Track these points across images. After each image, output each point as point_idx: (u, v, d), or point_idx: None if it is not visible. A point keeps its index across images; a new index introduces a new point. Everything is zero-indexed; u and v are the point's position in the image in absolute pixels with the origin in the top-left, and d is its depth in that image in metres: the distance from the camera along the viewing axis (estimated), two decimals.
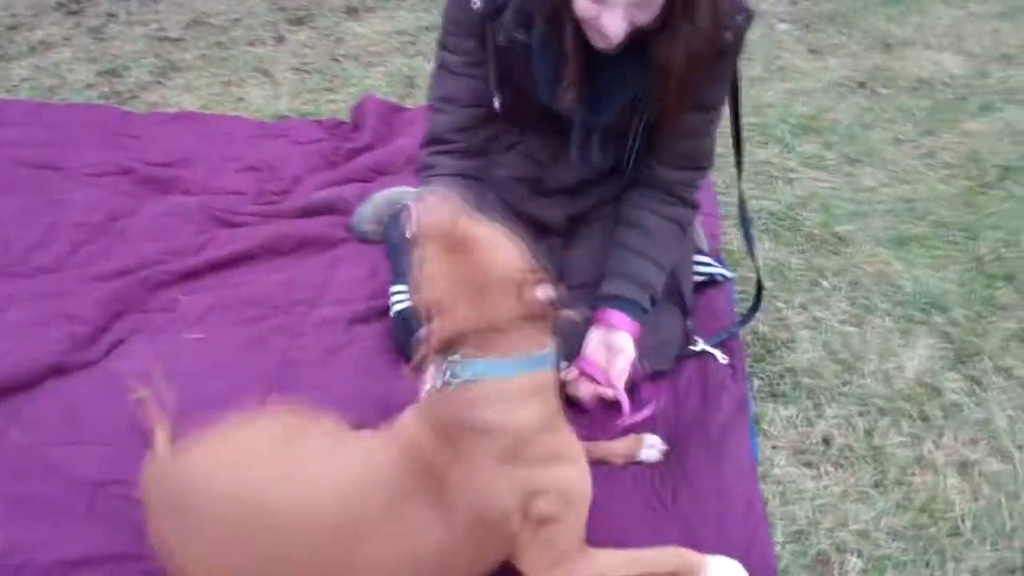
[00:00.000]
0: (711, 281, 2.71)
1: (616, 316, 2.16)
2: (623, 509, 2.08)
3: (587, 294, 2.24)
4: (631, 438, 2.20)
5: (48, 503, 2.13)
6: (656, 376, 2.35)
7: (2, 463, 2.25)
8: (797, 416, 2.29)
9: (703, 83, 2.01)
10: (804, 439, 2.25)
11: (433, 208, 1.70)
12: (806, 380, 2.40)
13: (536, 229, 2.36)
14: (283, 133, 3.73)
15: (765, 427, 2.28)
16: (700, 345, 2.45)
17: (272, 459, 1.76)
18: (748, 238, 2.52)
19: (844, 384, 2.39)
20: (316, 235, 3.05)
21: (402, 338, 2.40)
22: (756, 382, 2.39)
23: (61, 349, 2.57)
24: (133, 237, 3.08)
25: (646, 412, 2.10)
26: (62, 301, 2.77)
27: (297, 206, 3.20)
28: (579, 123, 2.15)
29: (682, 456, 2.21)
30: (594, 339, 2.18)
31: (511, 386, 1.66)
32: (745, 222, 2.52)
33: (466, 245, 1.64)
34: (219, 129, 3.78)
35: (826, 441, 2.24)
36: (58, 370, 2.53)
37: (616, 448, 2.19)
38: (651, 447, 2.18)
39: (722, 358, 2.43)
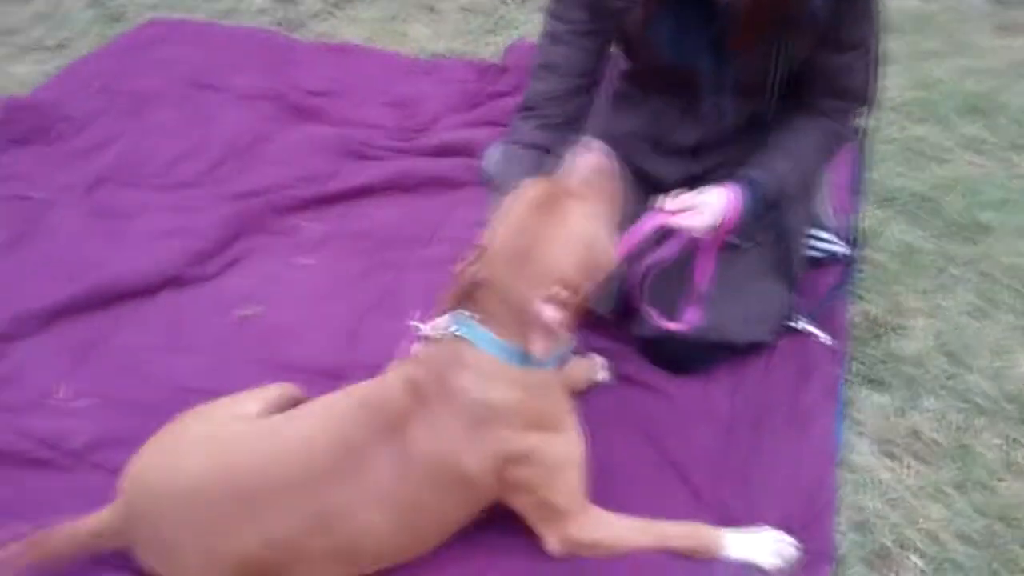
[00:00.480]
0: (831, 258, 2.56)
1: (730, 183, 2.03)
2: (691, 465, 2.04)
3: None
4: (584, 363, 2.21)
5: (139, 404, 2.23)
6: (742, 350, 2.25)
7: (105, 363, 2.37)
8: (890, 405, 2.18)
9: (842, 22, 1.93)
10: (892, 429, 2.12)
11: (583, 161, 1.71)
12: (908, 369, 2.27)
13: (652, 187, 2.30)
14: (433, 71, 3.75)
15: (854, 413, 2.16)
16: (801, 323, 2.33)
17: (242, 433, 1.78)
18: (858, 183, 2.42)
19: (949, 378, 2.24)
20: (441, 175, 3.05)
21: None
22: (855, 365, 2.28)
23: (181, 262, 2.69)
24: (269, 160, 3.17)
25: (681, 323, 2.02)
26: (190, 216, 2.89)
27: (430, 144, 3.21)
28: (708, 79, 2.06)
29: (760, 427, 2.12)
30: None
31: (496, 367, 1.66)
32: (861, 165, 2.40)
33: (551, 215, 1.63)
34: (373, 63, 3.83)
35: (914, 433, 2.11)
36: (174, 281, 2.65)
37: (575, 373, 2.15)
38: (604, 368, 2.24)
39: (823, 338, 2.31)
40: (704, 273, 2.04)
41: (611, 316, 2.34)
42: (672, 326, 2.00)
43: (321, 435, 1.70)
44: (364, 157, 3.19)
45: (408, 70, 3.77)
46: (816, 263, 2.50)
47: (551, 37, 2.10)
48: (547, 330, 1.59)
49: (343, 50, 3.97)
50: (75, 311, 2.52)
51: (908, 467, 2.03)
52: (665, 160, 2.32)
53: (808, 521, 1.90)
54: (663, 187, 2.26)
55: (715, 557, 1.82)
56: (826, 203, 2.61)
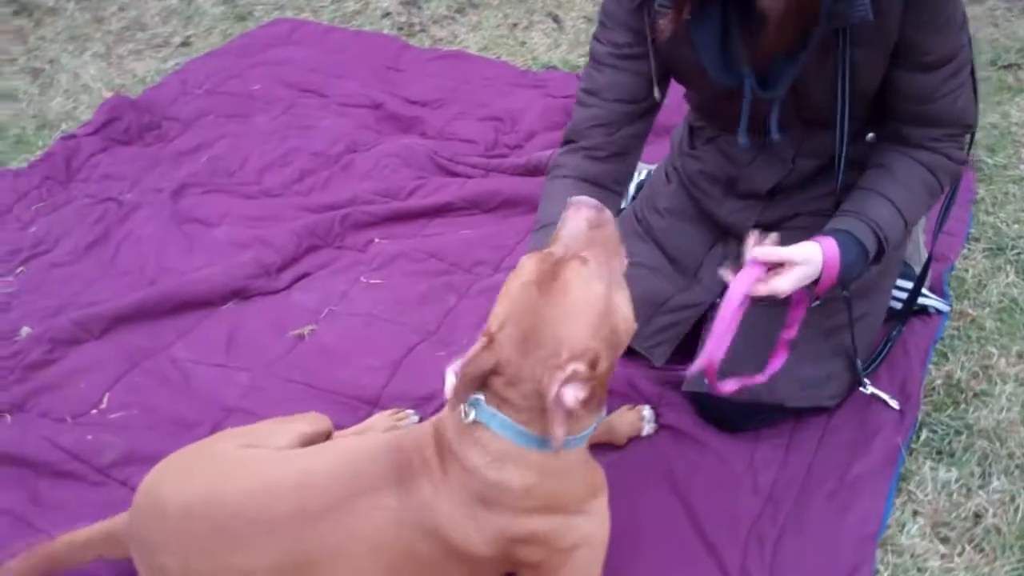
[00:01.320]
0: (921, 311, 2.34)
1: (822, 238, 1.79)
2: (721, 532, 1.90)
3: (757, 307, 2.00)
4: (633, 413, 2.09)
5: (178, 420, 2.23)
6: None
7: (154, 374, 2.39)
8: (955, 482, 1.98)
9: (918, 34, 1.72)
10: (952, 510, 1.92)
11: (574, 221, 1.58)
12: (983, 443, 2.05)
13: (722, 232, 2.20)
14: (540, 84, 3.64)
15: (912, 488, 1.96)
16: (870, 388, 2.13)
17: (249, 461, 1.73)
18: (948, 201, 2.15)
19: None
20: (525, 196, 2.94)
21: None
22: (924, 433, 2.09)
23: (250, 274, 2.68)
24: (355, 173, 3.14)
25: (756, 378, 1.81)
26: (267, 226, 2.88)
27: (519, 163, 3.11)
28: (748, 98, 1.87)
29: (804, 497, 1.97)
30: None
31: (512, 450, 1.54)
32: (950, 203, 2.16)
33: (554, 288, 1.50)
34: (480, 72, 3.75)
35: (976, 517, 1.90)
36: (240, 293, 2.65)
37: (619, 428, 2.07)
38: (649, 421, 2.12)
39: (892, 403, 2.11)
40: (793, 327, 1.85)
41: (664, 362, 2.20)
42: (726, 390, 1.79)
43: (324, 474, 1.63)
44: (450, 173, 3.12)
45: (515, 82, 3.68)
46: (899, 315, 2.27)
47: (595, 62, 1.95)
48: (568, 413, 1.47)
49: (454, 57, 3.91)
50: (138, 318, 2.54)
51: (961, 554, 1.83)
52: (739, 204, 2.15)
53: None
54: (733, 232, 2.14)
55: None
56: (921, 245, 2.39)
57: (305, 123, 3.43)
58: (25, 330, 2.49)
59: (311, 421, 1.94)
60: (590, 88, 1.96)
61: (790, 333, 1.84)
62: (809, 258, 1.73)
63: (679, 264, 2.22)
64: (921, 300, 2.31)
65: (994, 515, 1.90)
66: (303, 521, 1.57)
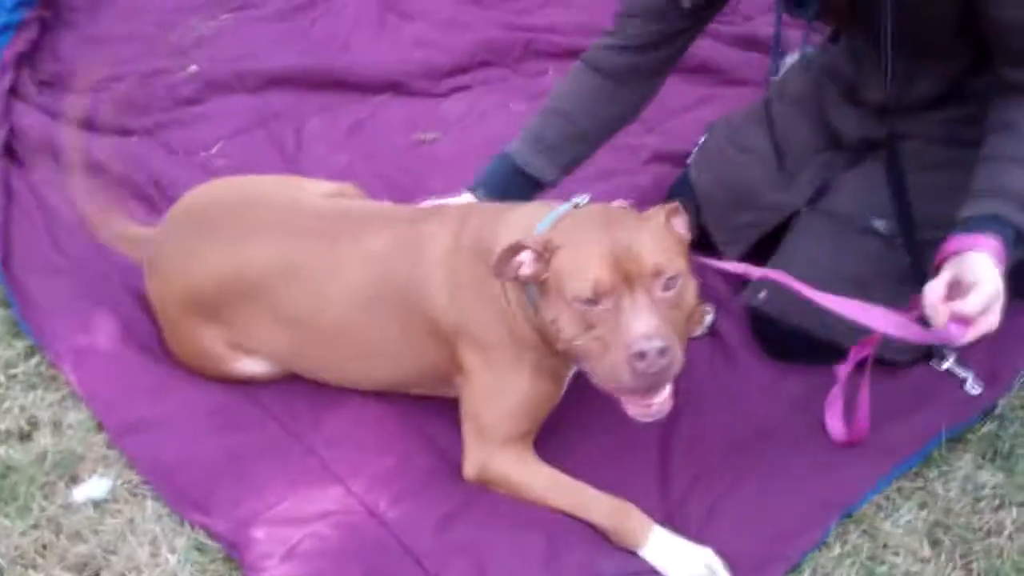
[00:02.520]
0: None
1: (970, 238, 1.56)
2: (686, 453, 1.77)
3: (837, 229, 1.90)
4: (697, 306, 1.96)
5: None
6: None
7: (275, 138, 2.52)
8: (992, 488, 1.70)
9: None
10: (966, 516, 1.66)
11: None
12: None
13: (833, 140, 2.01)
14: None
15: (934, 476, 1.71)
16: (946, 363, 1.84)
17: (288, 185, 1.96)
18: None
19: None
20: (717, 61, 2.73)
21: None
22: (989, 426, 1.80)
23: (414, 72, 2.74)
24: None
25: None
26: (456, 32, 2.88)
27: (735, 32, 2.86)
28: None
29: (799, 441, 1.77)
30: (935, 281, 1.53)
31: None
32: None
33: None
34: None
35: (987, 533, 1.64)
36: (396, 88, 2.70)
37: None
38: (705, 325, 2.01)
39: (972, 388, 1.81)
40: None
41: (736, 260, 2.01)
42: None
43: (342, 210, 1.83)
44: None
45: None
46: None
47: None
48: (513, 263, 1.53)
49: None
50: (291, 84, 2.68)
51: (944, 564, 1.58)
52: (850, 112, 1.98)
53: (759, 565, 1.56)
54: (841, 143, 2.00)
55: (628, 548, 1.59)
56: None
57: None
58: (192, 68, 2.65)
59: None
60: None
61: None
62: (980, 275, 1.49)
63: (785, 159, 2.06)
64: None
65: (1009, 538, 1.62)
66: (305, 233, 1.76)
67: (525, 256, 1.52)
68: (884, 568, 1.58)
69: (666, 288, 1.48)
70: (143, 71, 2.69)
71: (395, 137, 2.51)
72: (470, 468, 1.69)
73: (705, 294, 2.04)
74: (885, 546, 1.61)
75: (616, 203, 1.69)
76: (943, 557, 1.60)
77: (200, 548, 1.62)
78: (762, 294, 1.86)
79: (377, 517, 1.63)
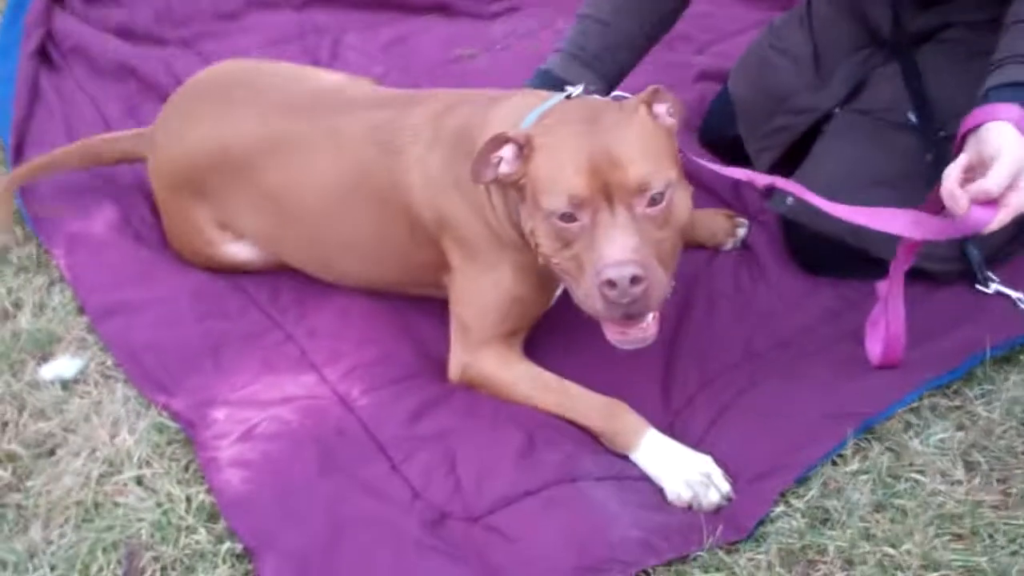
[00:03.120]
0: None
1: (989, 109, 1.40)
2: (698, 360, 1.62)
3: (870, 127, 1.76)
4: (729, 221, 1.87)
5: None
6: None
7: (310, 51, 2.44)
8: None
9: None
10: (1009, 438, 1.47)
11: None
12: None
13: (871, 38, 1.87)
14: None
15: (975, 396, 1.53)
16: (994, 285, 1.66)
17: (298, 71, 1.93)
18: None
19: None
20: None
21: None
22: None
23: None
24: None
25: None
26: None
27: None
28: None
29: (823, 351, 1.61)
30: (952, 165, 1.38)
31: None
32: None
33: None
34: None
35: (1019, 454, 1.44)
36: (445, 9, 2.61)
37: (705, 227, 1.84)
38: (738, 239, 1.86)
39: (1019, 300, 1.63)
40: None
41: (767, 169, 1.86)
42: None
43: (334, 93, 1.76)
44: None
45: None
46: None
47: None
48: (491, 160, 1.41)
49: None
50: (335, 1, 2.57)
51: (978, 487, 1.39)
52: (890, 3, 1.82)
53: (761, 475, 1.40)
54: (877, 38, 1.86)
55: (617, 451, 1.45)
56: None
57: None
58: None
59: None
60: None
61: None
62: (1002, 145, 1.33)
63: (821, 58, 1.91)
64: None
65: None
66: (289, 111, 1.70)
67: (507, 151, 1.39)
68: (905, 486, 1.39)
69: (652, 203, 1.31)
70: None
71: (434, 52, 2.42)
72: (454, 368, 1.60)
73: (741, 207, 1.90)
74: (910, 464, 1.42)
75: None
76: (978, 480, 1.40)
77: (160, 429, 1.53)
78: (789, 200, 1.69)
79: (347, 405, 1.53)
